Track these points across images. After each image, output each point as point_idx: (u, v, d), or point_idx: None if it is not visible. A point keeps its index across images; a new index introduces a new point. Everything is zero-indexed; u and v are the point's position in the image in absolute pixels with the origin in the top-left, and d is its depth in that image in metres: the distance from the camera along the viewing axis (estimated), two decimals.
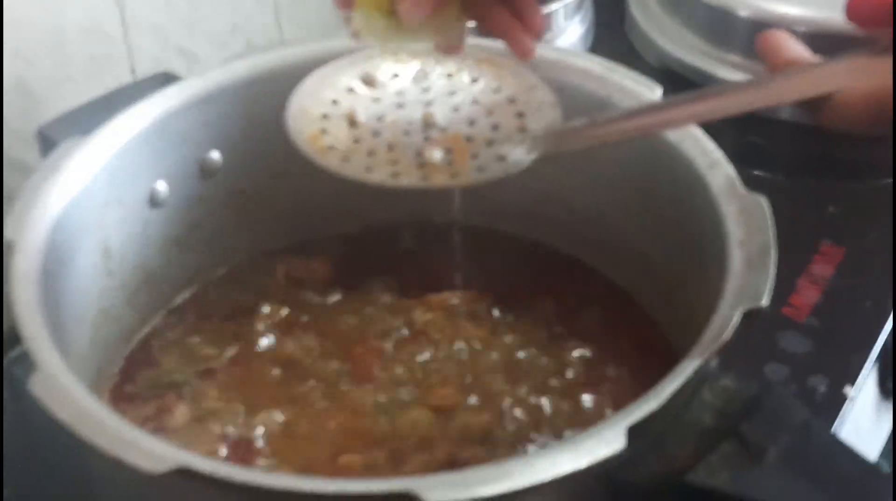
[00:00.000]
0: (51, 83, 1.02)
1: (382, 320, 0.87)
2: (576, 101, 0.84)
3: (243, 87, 0.87)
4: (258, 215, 0.93)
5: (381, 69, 0.78)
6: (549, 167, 0.77)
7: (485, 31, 0.75)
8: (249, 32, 1.21)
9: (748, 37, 1.17)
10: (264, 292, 0.90)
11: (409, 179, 0.72)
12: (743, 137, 1.13)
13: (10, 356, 0.97)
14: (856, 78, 0.63)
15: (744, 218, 0.74)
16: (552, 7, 1.13)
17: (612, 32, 1.29)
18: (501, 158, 0.73)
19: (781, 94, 0.66)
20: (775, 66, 0.67)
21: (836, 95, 0.64)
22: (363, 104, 0.76)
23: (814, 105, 0.65)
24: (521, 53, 0.75)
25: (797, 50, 0.68)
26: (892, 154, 1.00)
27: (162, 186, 0.86)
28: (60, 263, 0.77)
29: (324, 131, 0.74)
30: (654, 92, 0.83)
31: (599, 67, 0.86)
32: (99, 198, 0.81)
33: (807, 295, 0.98)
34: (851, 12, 0.64)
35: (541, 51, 0.87)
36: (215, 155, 0.88)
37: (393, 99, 0.77)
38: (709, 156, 0.79)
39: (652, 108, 0.72)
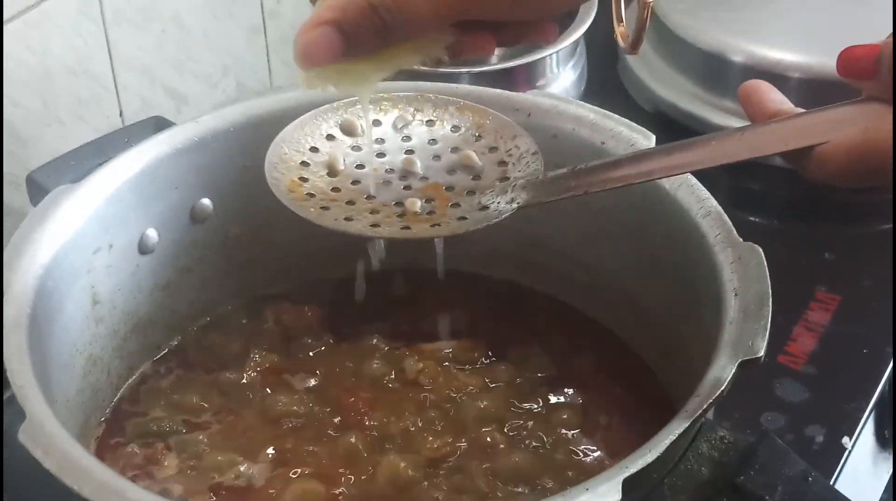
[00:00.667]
0: (38, 125, 1.01)
1: (374, 368, 0.86)
2: (569, 147, 0.84)
3: (235, 133, 0.86)
4: (249, 260, 0.92)
5: (361, 116, 0.77)
6: (542, 214, 0.77)
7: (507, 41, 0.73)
8: (240, 74, 1.21)
9: (741, 82, 1.16)
10: (254, 339, 0.89)
11: (390, 229, 0.71)
12: (737, 182, 1.13)
13: None
14: (838, 129, 0.63)
15: (739, 267, 0.73)
16: (544, 53, 1.12)
17: (606, 77, 1.29)
18: (483, 208, 0.72)
19: (763, 146, 0.65)
20: (757, 117, 0.67)
21: (818, 146, 0.63)
22: (343, 152, 0.75)
23: (795, 157, 0.64)
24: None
25: (779, 100, 0.67)
26: (887, 200, 0.99)
27: (152, 233, 0.85)
28: (49, 310, 0.76)
29: (303, 180, 0.73)
30: (648, 139, 0.83)
31: (593, 113, 0.86)
32: (89, 245, 0.81)
33: (803, 343, 0.98)
34: (843, 69, 0.64)
35: (533, 97, 0.87)
36: (206, 201, 0.87)
37: (373, 147, 0.76)
38: (703, 204, 0.78)
39: (634, 158, 0.71)
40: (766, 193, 1.15)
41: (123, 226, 0.83)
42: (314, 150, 0.75)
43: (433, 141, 0.76)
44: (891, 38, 0.62)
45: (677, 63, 1.23)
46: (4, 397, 0.92)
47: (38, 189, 0.87)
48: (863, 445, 0.93)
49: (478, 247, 0.91)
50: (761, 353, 0.67)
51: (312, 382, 0.86)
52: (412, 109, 0.78)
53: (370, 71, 0.67)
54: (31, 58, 1.00)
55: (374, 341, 0.89)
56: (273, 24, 1.22)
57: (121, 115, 1.10)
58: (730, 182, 1.11)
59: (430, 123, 0.77)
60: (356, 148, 0.76)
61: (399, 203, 0.72)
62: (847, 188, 0.64)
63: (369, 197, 0.73)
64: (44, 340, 0.74)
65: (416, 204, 0.72)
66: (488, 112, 0.77)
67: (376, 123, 0.77)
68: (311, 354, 0.88)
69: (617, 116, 0.86)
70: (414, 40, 0.67)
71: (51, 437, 0.65)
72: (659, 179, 0.78)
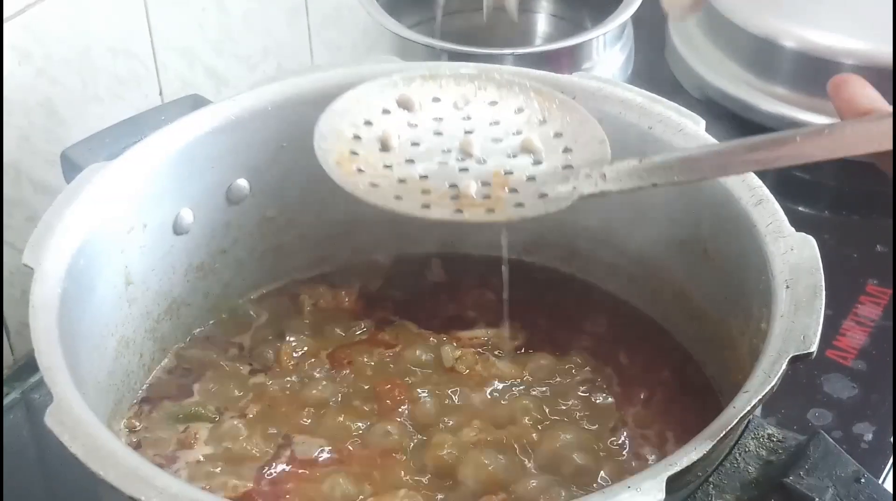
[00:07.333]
0: (77, 103, 1.00)
1: (411, 355, 0.84)
2: (614, 131, 0.81)
3: (272, 111, 0.85)
4: (285, 243, 0.90)
5: (420, 92, 0.74)
6: (588, 202, 0.75)
7: None
8: (280, 55, 1.20)
9: (793, 68, 1.15)
10: (290, 323, 0.88)
11: (441, 211, 0.69)
12: (786, 172, 1.10)
13: (29, 381, 0.96)
14: None
15: (791, 258, 0.71)
16: (590, 35, 1.10)
17: (653, 62, 1.27)
18: (542, 195, 0.69)
19: (855, 145, 0.62)
20: (847, 113, 0.63)
21: None
22: (398, 128, 0.73)
23: (888, 159, 0.61)
24: None
25: (872, 97, 0.63)
26: None
27: (187, 213, 0.84)
28: (81, 290, 0.75)
29: (354, 154, 0.71)
30: (698, 125, 0.81)
31: (640, 97, 0.84)
32: (122, 224, 0.79)
33: (853, 338, 0.95)
34: None
35: (579, 79, 0.85)
36: (242, 182, 0.86)
37: (430, 125, 0.73)
38: (755, 192, 0.76)
39: (710, 152, 0.68)
40: (815, 183, 1.13)
41: (158, 205, 0.82)
42: (368, 124, 0.73)
43: (495, 123, 0.74)
44: None
45: (726, 47, 1.20)
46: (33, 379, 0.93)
47: (72, 167, 0.86)
48: None
49: (520, 233, 0.89)
50: (814, 348, 0.65)
51: (348, 368, 0.84)
52: (474, 88, 0.75)
53: None
54: (71, 35, 0.99)
55: (412, 327, 0.87)
56: (315, 6, 1.21)
57: (160, 94, 1.09)
58: (778, 172, 1.08)
59: (492, 103, 0.75)
60: (412, 125, 0.73)
61: (453, 185, 0.70)
62: None
63: (422, 176, 0.71)
64: (74, 320, 0.73)
65: (472, 187, 0.70)
66: (555, 95, 0.75)
67: (435, 100, 0.75)
68: (346, 339, 0.87)
69: (665, 100, 0.84)
70: None
71: (78, 421, 0.63)
72: (736, 174, 0.75)
